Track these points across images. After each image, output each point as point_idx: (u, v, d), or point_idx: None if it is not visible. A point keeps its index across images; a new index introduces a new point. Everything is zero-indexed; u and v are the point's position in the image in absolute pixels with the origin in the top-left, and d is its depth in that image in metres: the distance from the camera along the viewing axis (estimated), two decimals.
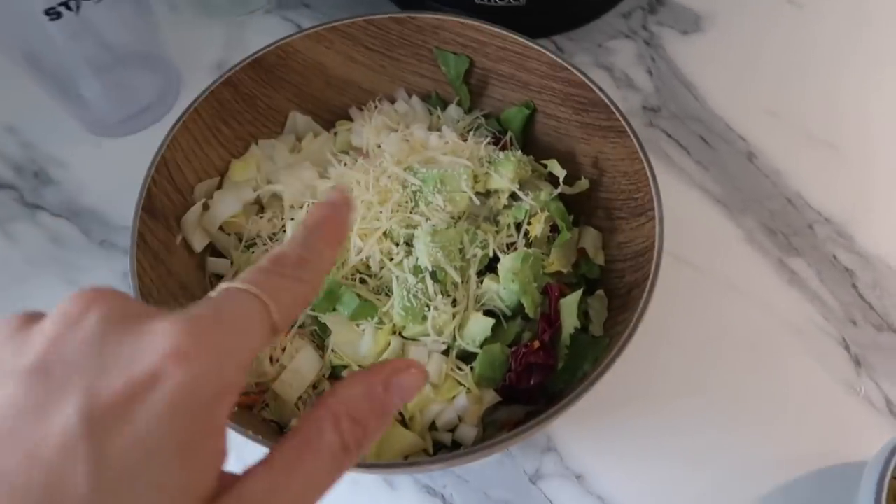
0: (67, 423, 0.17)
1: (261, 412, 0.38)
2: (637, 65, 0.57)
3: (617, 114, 0.39)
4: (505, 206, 0.42)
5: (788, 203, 0.50)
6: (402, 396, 0.22)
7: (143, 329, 0.18)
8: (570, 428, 0.43)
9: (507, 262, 0.39)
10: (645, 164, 0.37)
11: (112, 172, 0.53)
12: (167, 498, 0.17)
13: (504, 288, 0.38)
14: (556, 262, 0.40)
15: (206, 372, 0.18)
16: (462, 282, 0.39)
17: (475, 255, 0.39)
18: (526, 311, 0.38)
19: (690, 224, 0.49)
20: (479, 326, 0.37)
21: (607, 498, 0.41)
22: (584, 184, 0.43)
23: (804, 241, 0.48)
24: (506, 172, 0.41)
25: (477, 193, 0.41)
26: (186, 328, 0.18)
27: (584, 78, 0.41)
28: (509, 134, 0.46)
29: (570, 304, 0.37)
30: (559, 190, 0.42)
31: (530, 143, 0.46)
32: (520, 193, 0.41)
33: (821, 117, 0.53)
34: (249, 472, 0.20)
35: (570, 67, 0.41)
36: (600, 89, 0.40)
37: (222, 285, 0.21)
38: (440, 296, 0.38)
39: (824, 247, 0.48)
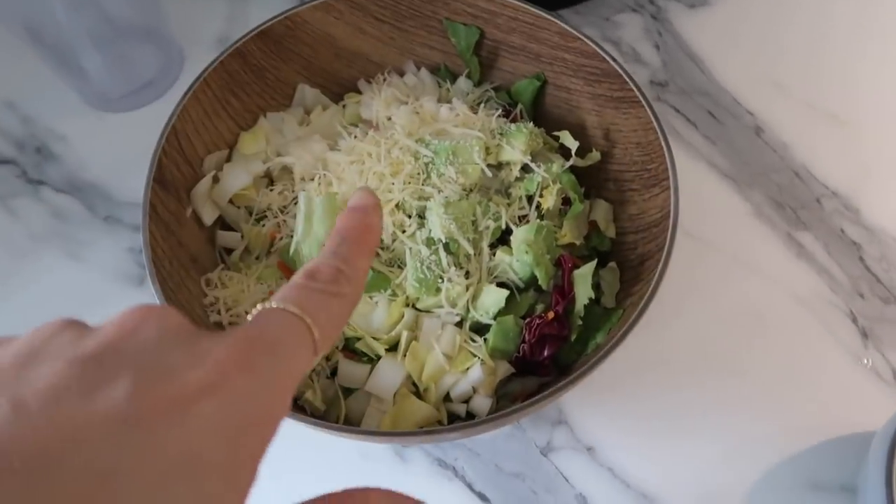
0: (116, 406, 0.16)
1: None
2: (644, 39, 0.56)
3: (630, 84, 0.39)
4: (517, 179, 0.41)
5: (796, 176, 0.50)
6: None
7: (199, 342, 0.18)
8: (580, 401, 0.43)
9: (520, 234, 0.38)
10: (659, 133, 0.37)
11: (115, 147, 0.52)
12: None
13: (517, 260, 0.38)
14: (569, 234, 0.40)
15: (259, 391, 0.18)
16: (475, 254, 0.39)
17: (487, 227, 0.39)
18: (539, 282, 0.38)
19: (698, 198, 0.49)
20: (493, 298, 0.37)
21: (617, 469, 0.42)
22: (595, 156, 0.43)
23: (811, 214, 0.49)
24: (517, 144, 0.41)
25: (489, 165, 0.41)
26: (243, 347, 0.18)
27: (596, 48, 0.40)
28: (519, 106, 0.45)
29: (584, 276, 0.37)
30: (571, 162, 0.42)
31: (541, 115, 0.46)
32: (532, 165, 0.41)
33: (828, 91, 0.53)
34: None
35: (582, 37, 0.41)
36: (613, 59, 0.40)
37: (260, 306, 0.21)
38: (453, 268, 0.38)
39: (831, 220, 0.48)
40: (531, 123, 0.42)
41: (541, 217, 0.40)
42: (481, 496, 0.41)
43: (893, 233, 0.48)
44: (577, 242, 0.41)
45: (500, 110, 0.45)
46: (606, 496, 0.41)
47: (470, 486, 0.42)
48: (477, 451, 0.42)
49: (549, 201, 0.40)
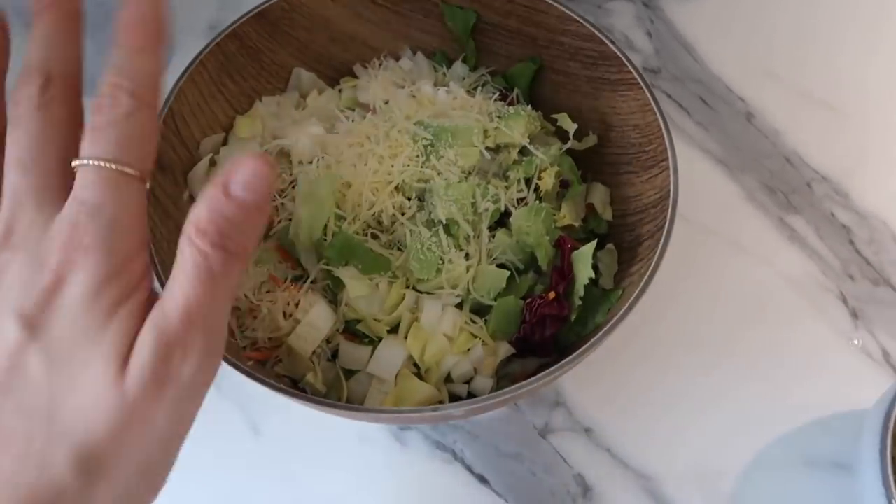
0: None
1: (274, 367, 0.38)
2: (636, 26, 0.57)
3: (629, 66, 0.39)
4: (515, 162, 0.42)
5: (787, 162, 0.51)
6: (247, 186, 0.22)
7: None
8: (578, 382, 0.44)
9: (519, 216, 0.39)
10: (658, 114, 0.38)
11: None
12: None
13: (517, 241, 0.39)
14: (567, 215, 0.40)
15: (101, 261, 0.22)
16: (474, 236, 0.39)
17: (487, 210, 0.39)
18: (539, 263, 0.39)
19: (692, 184, 0.49)
20: (494, 279, 0.38)
21: (615, 450, 0.42)
22: (592, 139, 0.43)
23: (802, 198, 0.49)
24: (516, 127, 0.41)
25: (487, 148, 0.41)
26: (70, 234, 0.22)
27: (594, 30, 0.41)
28: (516, 91, 0.45)
29: (584, 256, 0.38)
30: (569, 145, 0.42)
31: (537, 99, 0.46)
32: (530, 148, 0.41)
33: (818, 77, 0.54)
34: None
35: (580, 20, 0.41)
36: (612, 41, 0.40)
37: (77, 166, 0.22)
38: (453, 249, 0.38)
39: (822, 204, 0.49)
40: (529, 106, 0.43)
41: (539, 199, 0.41)
42: (480, 478, 0.42)
43: (882, 216, 0.48)
44: (576, 224, 0.41)
45: (497, 94, 0.45)
46: (605, 476, 0.41)
47: (469, 469, 0.42)
48: (475, 433, 0.43)
49: (548, 183, 0.41)
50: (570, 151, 0.43)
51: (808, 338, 0.45)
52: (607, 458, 0.42)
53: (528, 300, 0.38)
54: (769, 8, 0.57)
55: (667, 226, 0.35)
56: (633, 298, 0.34)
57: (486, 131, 0.41)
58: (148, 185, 0.24)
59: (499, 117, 0.42)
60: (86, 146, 0.22)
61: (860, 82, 0.53)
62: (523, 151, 0.42)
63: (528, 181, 0.41)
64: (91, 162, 0.22)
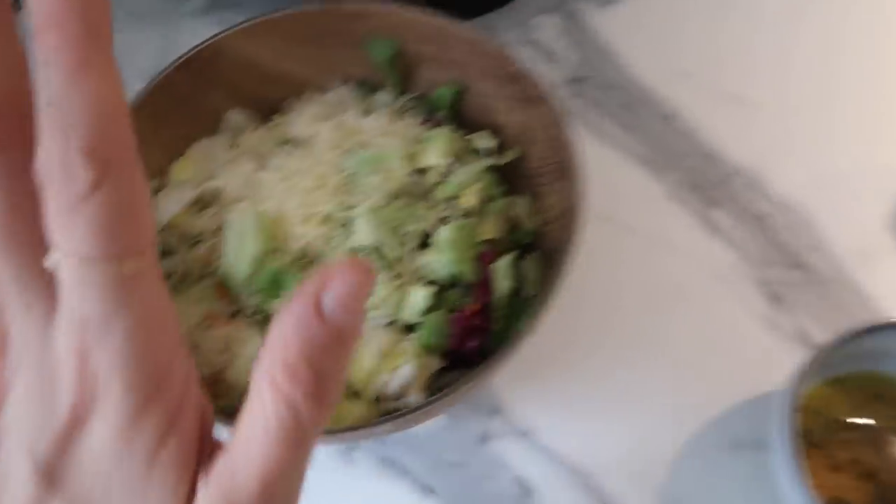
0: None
1: (217, 401, 0.40)
2: (561, 38, 0.59)
3: (536, 83, 0.42)
4: (439, 182, 0.44)
5: (705, 158, 0.53)
6: (346, 308, 0.16)
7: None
8: (513, 388, 0.46)
9: (442, 234, 0.41)
10: (563, 127, 0.40)
11: None
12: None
13: (441, 259, 0.41)
14: (489, 229, 0.43)
15: None
16: (402, 257, 0.42)
17: (413, 230, 0.42)
18: (463, 278, 0.41)
19: (618, 186, 0.52)
20: (420, 297, 0.40)
21: (553, 450, 0.44)
22: (512, 153, 0.46)
23: (722, 192, 0.52)
24: (437, 149, 0.44)
25: (412, 171, 0.43)
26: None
27: (503, 51, 0.43)
28: (441, 113, 0.48)
29: (502, 268, 0.40)
30: (489, 162, 0.44)
31: (462, 120, 0.48)
32: (452, 168, 0.43)
33: (734, 75, 0.56)
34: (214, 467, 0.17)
35: (489, 42, 0.43)
36: (518, 61, 0.43)
37: (56, 264, 0.16)
38: (382, 272, 0.40)
39: (740, 196, 0.52)
40: (448, 129, 0.45)
41: (464, 216, 0.43)
42: (428, 489, 0.44)
43: (797, 202, 0.51)
44: (499, 237, 0.43)
45: (422, 118, 0.47)
46: (543, 476, 0.44)
47: (417, 480, 0.44)
48: (419, 446, 0.45)
49: (471, 200, 0.43)
50: (495, 167, 0.45)
51: (731, 324, 0.48)
52: (546, 458, 0.44)
53: (452, 315, 0.40)
54: (686, 10, 0.60)
55: (576, 232, 0.38)
56: (542, 307, 0.37)
57: (408, 155, 0.44)
58: (155, 262, 0.17)
59: (420, 141, 0.44)
60: (56, 236, 0.15)
61: (771, 76, 0.56)
62: (447, 172, 0.44)
63: (452, 200, 0.44)
64: (71, 259, 0.15)
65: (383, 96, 0.49)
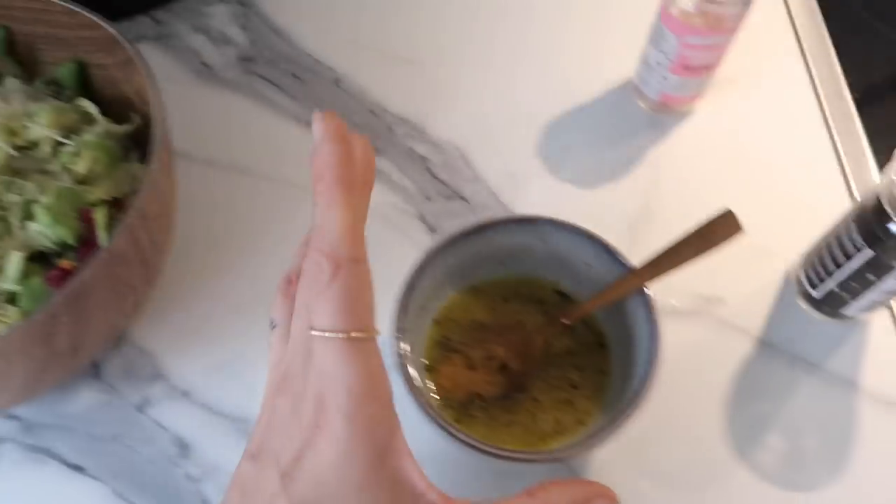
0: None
1: None
2: (232, 23, 0.60)
3: (127, 45, 0.42)
4: (53, 154, 0.43)
5: (371, 114, 0.55)
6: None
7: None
8: (175, 351, 0.45)
9: (42, 202, 0.40)
10: (145, 76, 0.40)
11: None
12: None
13: (40, 226, 0.39)
14: (103, 190, 0.42)
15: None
16: (11, 230, 0.40)
17: (15, 202, 0.40)
18: (69, 241, 0.39)
19: (280, 148, 0.53)
20: (13, 265, 0.38)
21: (213, 405, 0.43)
22: (136, 119, 0.45)
23: (385, 141, 0.54)
24: (44, 122, 0.42)
25: (18, 147, 0.42)
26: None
27: (93, 17, 0.43)
28: (67, 91, 0.47)
29: (99, 219, 0.39)
30: (99, 130, 0.44)
31: (93, 94, 0.47)
32: (62, 139, 0.42)
33: (396, 38, 0.59)
34: None
35: (80, 11, 0.43)
36: (107, 23, 0.42)
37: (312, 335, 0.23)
38: None
39: (403, 143, 0.54)
40: (57, 101, 0.44)
41: (81, 183, 0.42)
42: (76, 468, 0.41)
43: (452, 143, 0.54)
44: (118, 196, 0.42)
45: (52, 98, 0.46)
46: (203, 430, 0.42)
47: (65, 462, 0.41)
48: (70, 425, 0.42)
49: (81, 166, 0.42)
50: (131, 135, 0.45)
51: (398, 258, 0.49)
52: (206, 413, 0.43)
53: (48, 274, 0.38)
54: None
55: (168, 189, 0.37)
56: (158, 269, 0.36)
57: (13, 130, 0.42)
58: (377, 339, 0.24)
59: (27, 115, 0.43)
60: (312, 315, 0.23)
61: (434, 39, 0.60)
62: (61, 143, 0.43)
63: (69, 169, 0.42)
64: (317, 333, 0.23)
65: (10, 84, 0.47)
